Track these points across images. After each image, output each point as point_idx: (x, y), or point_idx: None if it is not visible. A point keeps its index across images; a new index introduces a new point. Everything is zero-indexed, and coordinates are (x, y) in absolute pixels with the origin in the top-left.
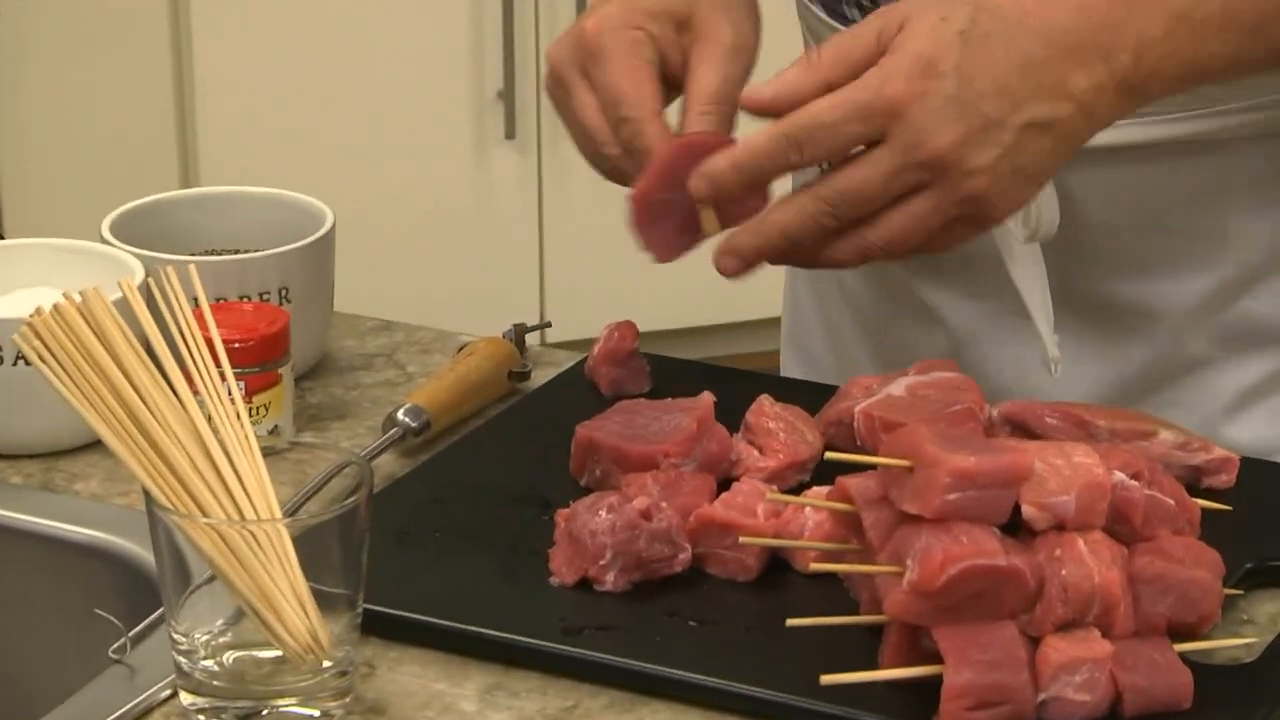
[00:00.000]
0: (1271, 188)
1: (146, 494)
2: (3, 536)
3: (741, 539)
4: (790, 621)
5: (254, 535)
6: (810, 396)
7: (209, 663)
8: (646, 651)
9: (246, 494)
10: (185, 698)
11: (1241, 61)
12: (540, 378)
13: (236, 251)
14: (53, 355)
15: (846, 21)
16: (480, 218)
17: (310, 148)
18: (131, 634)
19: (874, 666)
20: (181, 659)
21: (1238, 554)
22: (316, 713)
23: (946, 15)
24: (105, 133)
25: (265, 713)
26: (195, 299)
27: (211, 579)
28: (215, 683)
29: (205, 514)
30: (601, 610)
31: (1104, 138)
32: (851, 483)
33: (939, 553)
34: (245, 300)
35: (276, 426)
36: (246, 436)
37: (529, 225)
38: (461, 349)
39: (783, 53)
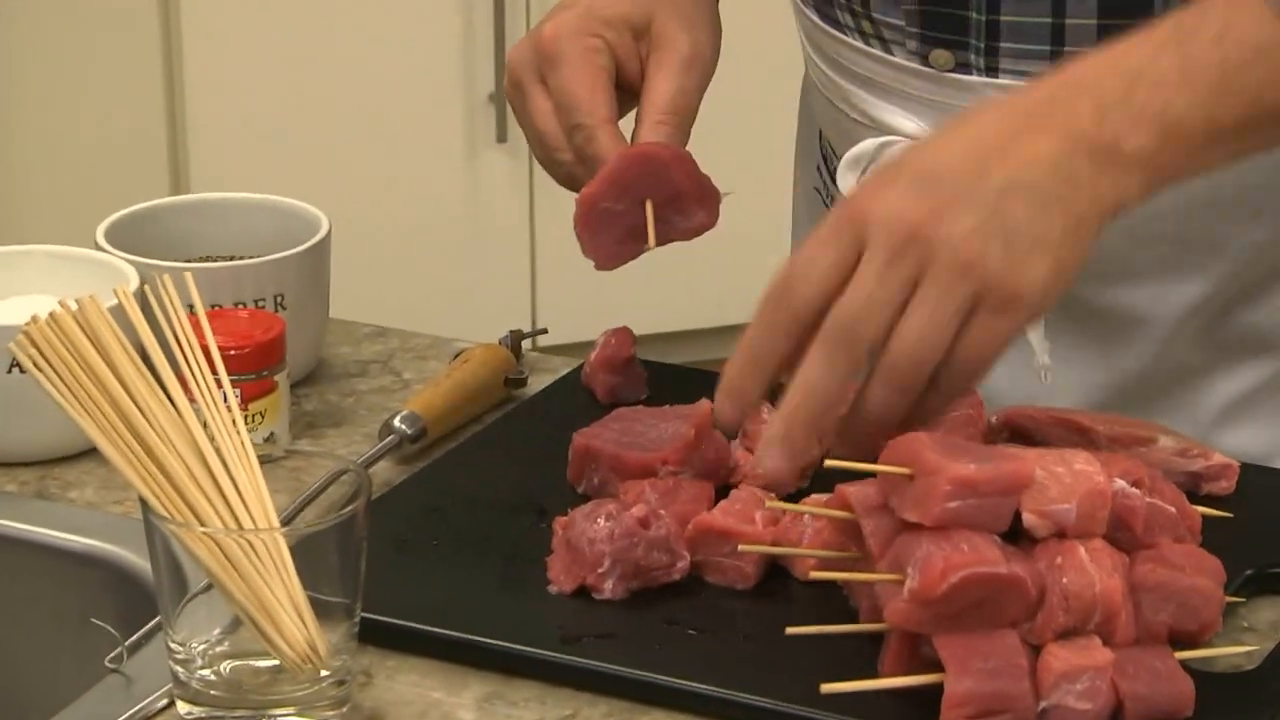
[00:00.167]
0: (1262, 196)
1: (143, 503)
2: None
3: (740, 547)
4: (790, 630)
5: (251, 544)
6: None
7: (206, 672)
8: (645, 660)
9: (244, 502)
10: (182, 707)
11: (1222, 122)
12: (536, 384)
13: (231, 258)
14: (48, 363)
15: (839, 26)
16: (471, 221)
17: (300, 151)
18: (128, 643)
19: (874, 675)
20: (178, 668)
21: (1238, 561)
22: None
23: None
24: (95, 139)
25: None
26: (191, 306)
27: (208, 588)
28: (212, 692)
29: (202, 523)
30: (600, 619)
31: None
32: (851, 490)
33: (939, 561)
34: (241, 307)
35: (272, 434)
36: (243, 444)
37: (520, 228)
38: (458, 355)
39: (781, 54)
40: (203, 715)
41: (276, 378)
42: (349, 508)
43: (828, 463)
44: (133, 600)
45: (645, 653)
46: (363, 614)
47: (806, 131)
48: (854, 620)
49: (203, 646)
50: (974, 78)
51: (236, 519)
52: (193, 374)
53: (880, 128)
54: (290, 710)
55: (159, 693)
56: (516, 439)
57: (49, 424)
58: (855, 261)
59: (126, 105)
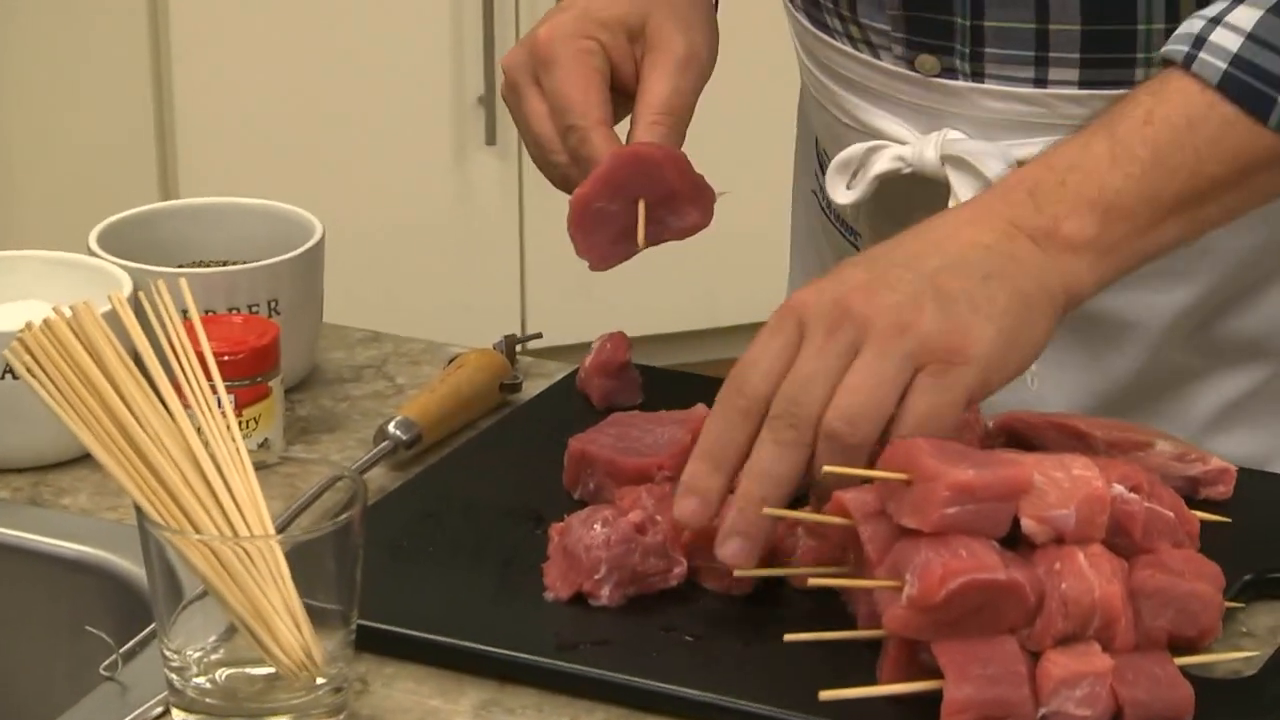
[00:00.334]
0: None
1: (138, 510)
2: None
3: (737, 573)
4: (788, 637)
5: (247, 551)
6: None
7: (201, 680)
8: (642, 667)
9: (239, 509)
10: (177, 715)
11: (1161, 198)
12: (531, 389)
13: (224, 263)
14: (43, 370)
15: (828, 31)
16: (461, 223)
17: (289, 154)
18: (122, 650)
19: (873, 681)
20: (173, 676)
21: (1236, 566)
22: None
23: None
24: (85, 143)
25: None
26: (185, 311)
27: (203, 595)
28: (208, 700)
29: (197, 530)
30: (597, 625)
31: None
32: (849, 496)
33: (938, 567)
34: (235, 312)
35: (266, 440)
36: (238, 451)
37: (510, 230)
38: (452, 361)
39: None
40: None
41: (271, 383)
42: (345, 514)
43: (825, 469)
44: (127, 607)
45: (642, 659)
46: (359, 621)
47: (804, 134)
48: (852, 626)
49: (198, 654)
50: (960, 83)
51: (232, 526)
52: (187, 380)
53: (869, 132)
54: (286, 718)
55: (154, 700)
56: (511, 444)
57: (42, 430)
58: (798, 349)
59: (116, 109)
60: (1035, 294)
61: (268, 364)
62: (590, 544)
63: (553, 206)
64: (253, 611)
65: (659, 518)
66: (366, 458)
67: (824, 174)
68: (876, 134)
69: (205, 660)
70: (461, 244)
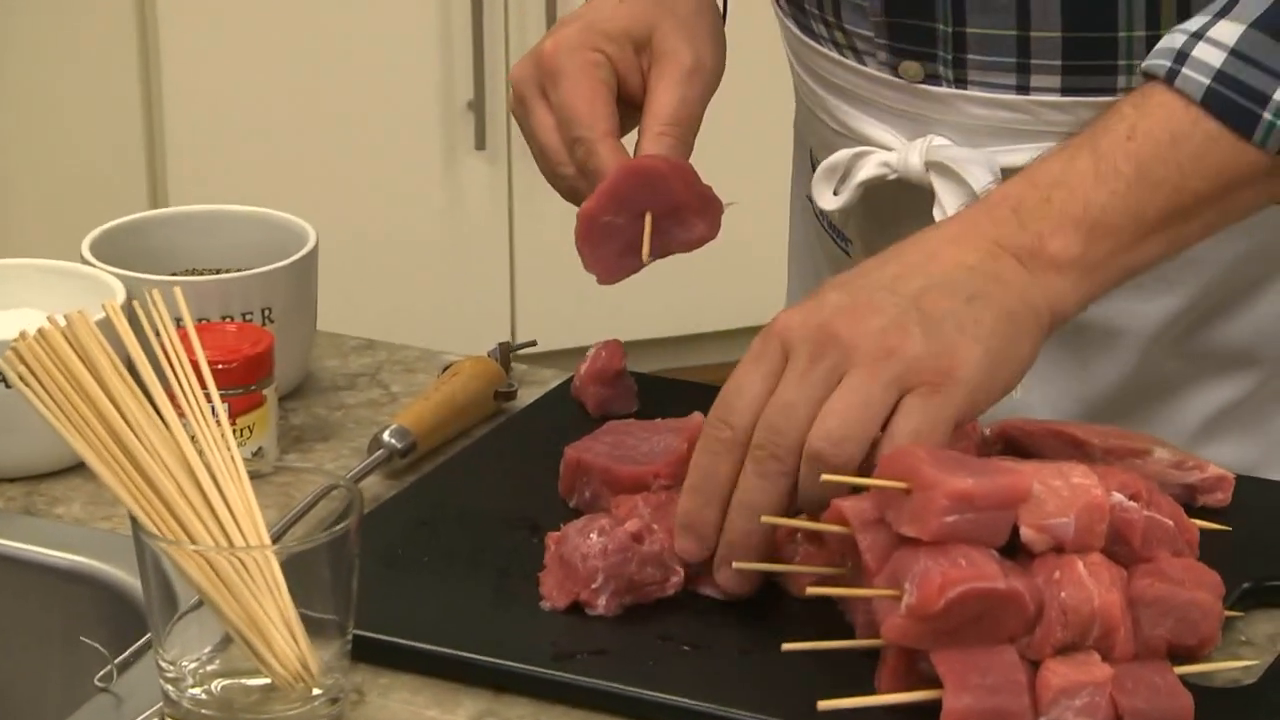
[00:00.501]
0: None
1: (133, 520)
2: None
3: (735, 564)
4: (786, 646)
5: (242, 561)
6: None
7: (197, 691)
8: (640, 677)
9: (234, 519)
10: None
11: (1145, 215)
12: (526, 397)
13: (216, 271)
14: (37, 380)
15: (815, 37)
16: (450, 228)
17: (277, 160)
18: (117, 661)
19: (871, 691)
20: (169, 687)
21: (1234, 574)
22: None
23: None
24: (73, 150)
25: None
26: (179, 320)
27: (199, 605)
28: (203, 711)
29: (193, 540)
30: (594, 635)
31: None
32: (847, 505)
33: (937, 576)
34: (228, 320)
35: (260, 449)
36: (233, 460)
37: (499, 235)
38: (446, 368)
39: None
40: None
41: (264, 392)
42: (341, 524)
43: (824, 478)
44: (122, 617)
45: (639, 669)
46: (354, 631)
47: (800, 141)
48: (850, 635)
49: (193, 665)
50: (944, 89)
51: (227, 536)
52: (182, 389)
53: (856, 138)
54: None
55: (149, 711)
56: (507, 453)
57: (35, 439)
58: (782, 374)
59: (104, 117)
60: (1021, 313)
61: (262, 372)
62: (587, 553)
63: (543, 210)
64: (248, 622)
65: (655, 526)
66: (361, 466)
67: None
68: (863, 140)
69: (201, 671)
70: (451, 248)
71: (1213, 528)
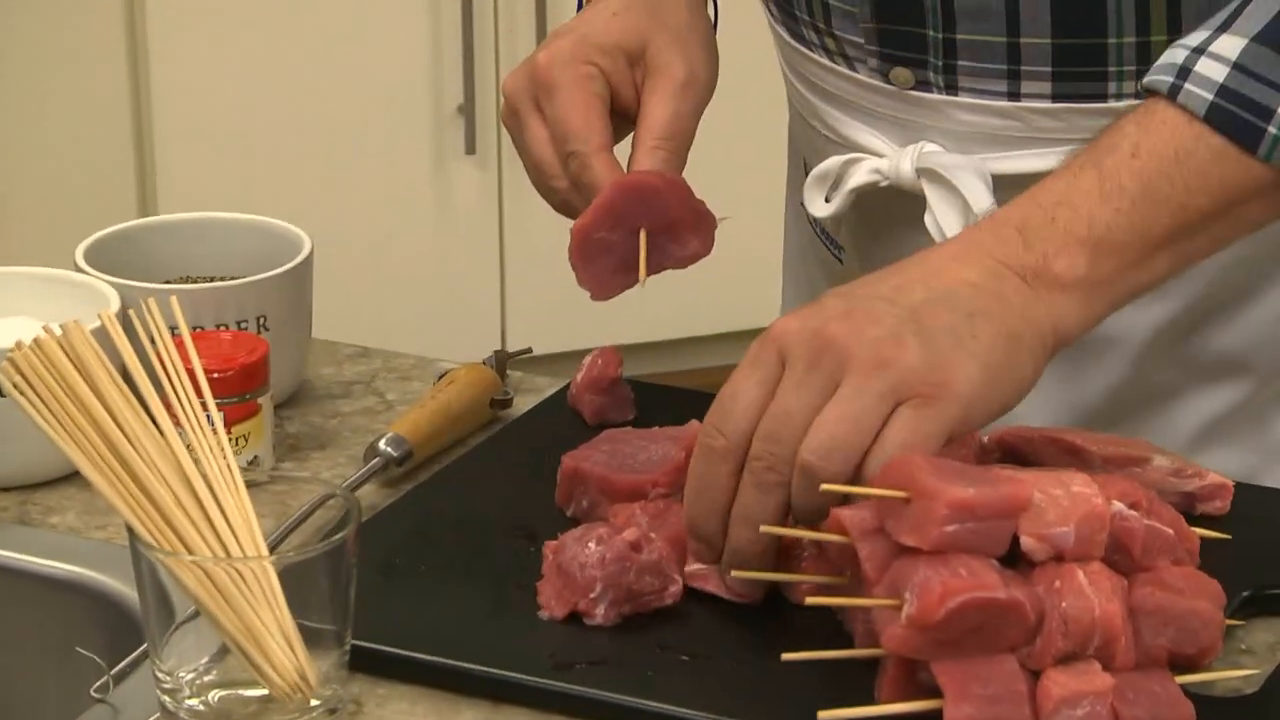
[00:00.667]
0: None
1: (130, 530)
2: None
3: (734, 572)
4: (785, 656)
5: (239, 572)
6: None
7: (194, 701)
8: (638, 686)
9: (231, 529)
10: None
11: (1151, 232)
12: (522, 405)
13: (210, 278)
14: (33, 389)
15: (806, 43)
16: (440, 233)
17: (267, 165)
18: (114, 672)
19: (871, 701)
20: (166, 698)
21: (1234, 582)
22: None
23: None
24: (62, 158)
25: None
26: (174, 328)
27: (196, 615)
28: None
29: (190, 551)
30: (592, 645)
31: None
32: (847, 514)
33: (938, 585)
34: (223, 329)
35: (256, 457)
36: (230, 469)
37: (489, 240)
38: (442, 376)
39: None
40: None
41: (260, 400)
42: (339, 534)
43: (824, 487)
44: (118, 628)
45: (638, 679)
46: (352, 641)
47: (794, 150)
48: (851, 645)
49: (190, 675)
50: (935, 95)
51: (224, 546)
52: (178, 398)
53: (847, 144)
54: None
55: None
56: (503, 461)
57: (29, 448)
58: (779, 381)
59: (93, 123)
60: (1023, 333)
61: (257, 381)
62: (585, 562)
63: (533, 215)
64: (245, 632)
65: (653, 535)
66: (357, 475)
67: None
68: (855, 147)
69: (198, 682)
70: (441, 253)
71: (1213, 536)
